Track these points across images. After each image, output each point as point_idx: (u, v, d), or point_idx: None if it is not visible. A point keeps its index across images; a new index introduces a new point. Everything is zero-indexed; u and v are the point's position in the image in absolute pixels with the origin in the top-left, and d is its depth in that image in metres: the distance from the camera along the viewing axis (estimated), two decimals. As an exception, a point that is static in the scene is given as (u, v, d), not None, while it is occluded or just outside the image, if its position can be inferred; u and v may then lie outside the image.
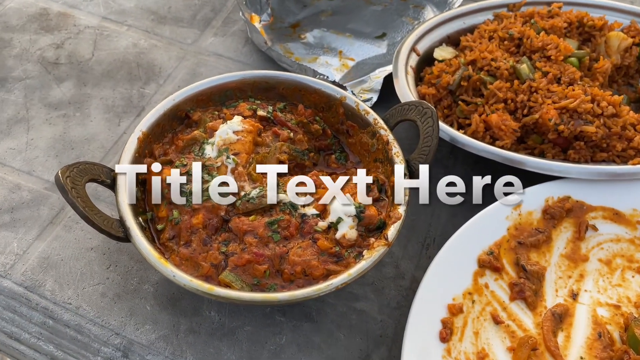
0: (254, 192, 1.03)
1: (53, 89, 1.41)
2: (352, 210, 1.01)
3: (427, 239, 1.20)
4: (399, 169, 1.08)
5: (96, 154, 1.29)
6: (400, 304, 1.10)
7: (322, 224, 1.01)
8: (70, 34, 1.54)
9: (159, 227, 1.03)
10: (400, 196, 1.04)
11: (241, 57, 1.52)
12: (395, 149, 1.11)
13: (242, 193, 1.04)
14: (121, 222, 0.97)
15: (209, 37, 1.57)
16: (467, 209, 1.25)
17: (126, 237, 0.96)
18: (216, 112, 1.18)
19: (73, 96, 1.39)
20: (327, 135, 1.21)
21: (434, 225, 1.22)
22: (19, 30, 1.53)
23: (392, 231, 1.00)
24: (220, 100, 1.22)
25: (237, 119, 1.12)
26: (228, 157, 1.07)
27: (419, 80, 1.38)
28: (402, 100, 1.26)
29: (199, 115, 1.18)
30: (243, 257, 0.97)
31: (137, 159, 1.07)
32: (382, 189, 1.11)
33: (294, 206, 1.03)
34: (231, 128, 1.10)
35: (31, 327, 1.04)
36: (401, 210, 1.03)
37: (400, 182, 1.06)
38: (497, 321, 1.04)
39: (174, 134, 1.17)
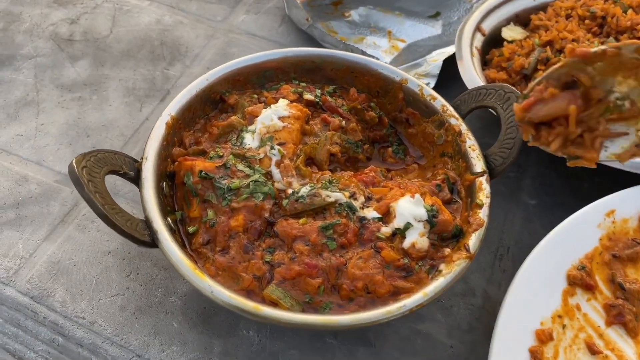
0: (304, 190, 0.86)
1: (66, 68, 1.24)
2: (422, 213, 0.84)
3: (500, 248, 1.03)
4: (478, 165, 0.91)
5: (115, 143, 1.13)
6: (472, 326, 0.93)
7: (386, 230, 0.84)
8: (86, 8, 1.37)
9: (191, 229, 0.87)
10: (481, 198, 0.87)
11: (277, 37, 1.35)
12: (470, 142, 0.94)
13: (290, 190, 0.87)
14: (147, 223, 0.80)
15: (241, 14, 1.40)
16: (543, 214, 1.07)
17: (153, 242, 0.79)
18: (255, 95, 1.02)
19: (89, 77, 1.23)
20: (384, 125, 1.04)
21: (507, 232, 1.05)
22: (29, 3, 1.37)
23: (473, 241, 0.82)
24: (258, 81, 1.05)
25: (283, 102, 0.95)
26: (272, 148, 0.90)
27: (483, 63, 1.20)
28: (469, 86, 1.09)
29: (235, 98, 1.01)
30: (292, 268, 0.80)
31: (164, 148, 0.90)
32: (453, 189, 0.93)
33: (351, 207, 0.86)
34: (276, 113, 0.93)
35: (38, 344, 0.88)
36: (483, 215, 0.85)
37: (481, 181, 0.88)
38: (593, 351, 0.87)
39: (207, 119, 1.00)
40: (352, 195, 0.87)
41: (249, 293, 0.80)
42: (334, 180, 0.89)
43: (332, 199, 0.85)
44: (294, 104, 0.96)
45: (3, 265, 0.95)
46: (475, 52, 1.16)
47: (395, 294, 0.80)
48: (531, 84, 0.75)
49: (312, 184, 0.88)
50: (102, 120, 1.16)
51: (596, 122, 0.72)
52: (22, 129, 1.13)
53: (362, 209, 0.87)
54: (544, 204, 1.08)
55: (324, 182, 0.88)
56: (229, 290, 0.76)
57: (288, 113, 0.93)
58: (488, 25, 1.22)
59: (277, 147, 0.90)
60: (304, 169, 0.90)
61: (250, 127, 0.94)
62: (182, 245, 0.85)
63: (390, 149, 1.03)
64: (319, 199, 0.85)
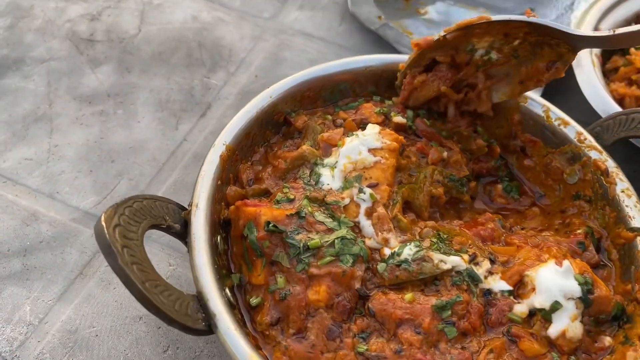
0: (408, 251, 0.64)
1: (86, 75, 1.02)
2: (575, 288, 0.61)
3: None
4: (637, 217, 0.68)
5: (145, 170, 0.91)
6: None
7: (521, 309, 0.62)
8: (109, 1, 1.16)
9: (253, 301, 0.64)
10: (651, 265, 0.64)
11: (338, 39, 1.12)
12: (623, 184, 0.71)
13: (387, 251, 0.65)
14: (200, 302, 0.58)
15: (293, 10, 1.17)
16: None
17: (209, 330, 0.57)
18: (329, 117, 0.79)
19: (113, 86, 1.01)
20: (494, 155, 0.81)
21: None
22: (42, -4, 1.15)
23: (650, 329, 0.60)
24: (331, 97, 0.82)
25: (373, 129, 0.72)
26: (362, 191, 0.68)
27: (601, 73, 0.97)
28: (592, 101, 0.86)
29: (304, 120, 0.79)
30: None
31: (219, 189, 0.68)
32: (599, 248, 0.70)
33: (473, 277, 0.63)
34: (365, 144, 0.70)
35: None
36: (656, 289, 0.62)
37: (648, 241, 0.65)
38: None
39: (268, 147, 0.77)
40: (473, 259, 0.64)
41: (336, 396, 0.58)
42: (445, 236, 0.67)
43: (447, 266, 0.63)
44: (388, 131, 0.73)
45: (5, 335, 0.73)
46: (596, 60, 0.93)
47: None
48: (400, 78, 0.81)
49: (417, 242, 0.65)
50: (129, 140, 0.94)
51: (474, 78, 0.79)
52: (32, 152, 0.92)
53: (487, 277, 0.64)
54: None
55: (432, 239, 0.66)
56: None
57: (381, 144, 0.70)
58: (606, 27, 0.98)
59: (368, 190, 0.67)
60: (404, 220, 0.67)
61: (327, 161, 0.71)
62: (243, 324, 0.63)
63: (499, 186, 0.80)
64: (429, 265, 0.63)
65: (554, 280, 0.61)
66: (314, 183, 0.70)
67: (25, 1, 1.14)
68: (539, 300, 0.61)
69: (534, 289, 0.62)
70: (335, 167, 0.70)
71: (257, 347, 0.60)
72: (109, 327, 0.75)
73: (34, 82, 1.01)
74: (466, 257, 0.64)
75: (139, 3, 1.16)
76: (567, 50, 0.74)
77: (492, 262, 0.66)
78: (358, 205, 0.67)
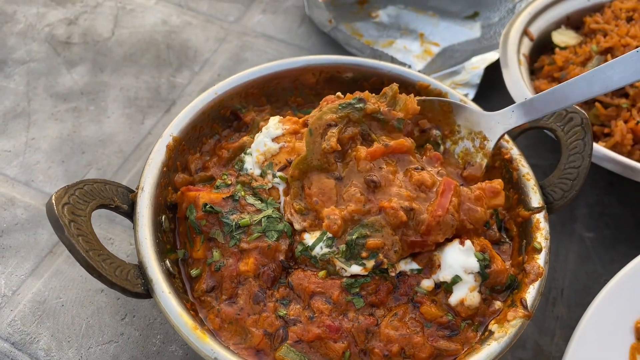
0: (318, 249, 0.70)
1: (62, 75, 1.12)
2: (473, 264, 0.70)
3: (553, 290, 0.88)
4: (534, 198, 0.77)
5: (112, 160, 1.00)
6: (522, 386, 0.79)
7: (427, 284, 0.70)
8: (86, 7, 1.25)
9: (193, 272, 0.74)
10: (539, 240, 0.72)
11: (296, 40, 1.21)
12: (524, 169, 0.80)
13: (307, 236, 0.72)
14: (141, 269, 0.68)
15: (256, 13, 1.26)
16: (603, 249, 0.93)
17: (147, 293, 0.67)
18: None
19: (87, 85, 1.11)
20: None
21: (560, 270, 0.90)
22: (24, 2, 1.25)
23: (532, 294, 0.69)
24: (273, 94, 0.91)
25: (274, 120, 0.81)
26: (275, 176, 0.77)
27: (531, 72, 1.05)
28: (517, 100, 0.94)
29: (252, 116, 0.87)
30: (310, 330, 0.67)
31: (164, 175, 0.77)
32: (501, 226, 0.79)
33: (383, 271, 0.70)
34: (269, 135, 0.79)
35: (17, 400, 0.76)
36: (541, 261, 0.71)
37: (538, 218, 0.74)
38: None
39: (218, 140, 0.87)
40: (378, 265, 0.68)
41: (258, 352, 0.67)
42: (356, 246, 0.69)
43: (347, 273, 0.70)
44: (287, 117, 0.81)
45: (-18, 305, 0.83)
46: (523, 59, 1.02)
47: (438, 357, 0.67)
48: None
49: (330, 241, 0.71)
50: (99, 134, 1.04)
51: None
52: (11, 144, 1.01)
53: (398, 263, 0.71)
54: (603, 237, 0.94)
55: (341, 249, 0.70)
56: (236, 355, 0.63)
57: (282, 131, 0.79)
58: (537, 29, 1.07)
59: (278, 173, 0.76)
60: (301, 206, 0.74)
61: (248, 149, 0.80)
62: (183, 292, 0.72)
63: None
64: (332, 268, 0.70)
65: (457, 258, 0.70)
66: (239, 169, 0.79)
67: (9, 7, 1.24)
68: (443, 275, 0.70)
69: (439, 266, 0.71)
70: (251, 154, 0.79)
71: (193, 312, 0.70)
72: (74, 298, 0.85)
73: (14, 82, 1.11)
74: (370, 264, 0.68)
75: (114, 8, 1.25)
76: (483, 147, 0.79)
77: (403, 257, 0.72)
78: (277, 189, 0.76)
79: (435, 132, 0.83)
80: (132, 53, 1.17)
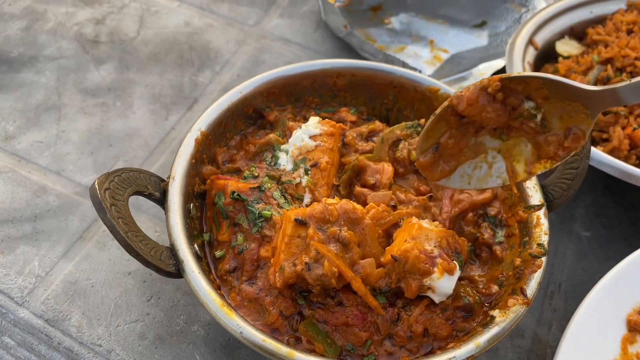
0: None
1: (91, 71, 1.18)
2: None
3: (551, 285, 0.94)
4: (535, 196, 0.82)
5: (138, 153, 1.06)
6: (520, 371, 0.85)
7: None
8: (113, 8, 1.31)
9: (217, 253, 0.80)
10: (539, 235, 0.78)
11: (312, 44, 1.28)
12: (526, 170, 0.85)
13: None
14: (172, 251, 0.74)
15: (274, 18, 1.33)
16: (599, 247, 0.99)
17: (178, 273, 0.73)
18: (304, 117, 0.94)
19: (113, 81, 1.17)
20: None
21: (558, 266, 0.96)
22: (54, 1, 1.31)
23: (532, 285, 0.74)
24: (294, 93, 0.97)
25: (314, 120, 0.87)
26: (307, 172, 0.83)
27: (535, 80, 1.11)
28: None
29: (276, 115, 0.94)
30: (337, 316, 0.73)
31: (193, 166, 0.83)
32: (497, 222, 0.85)
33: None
34: (307, 133, 0.85)
35: (51, 372, 0.82)
36: (541, 256, 0.77)
37: (539, 215, 0.80)
38: (657, 407, 0.78)
39: (244, 136, 0.93)
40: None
41: (273, 331, 0.73)
42: None
43: None
44: (327, 120, 0.88)
45: (17, 284, 0.89)
46: (528, 67, 1.08)
47: (454, 336, 0.73)
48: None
49: None
50: (125, 128, 1.10)
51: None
52: (43, 136, 1.08)
53: None
54: (599, 236, 1.00)
55: None
56: (260, 332, 0.69)
57: (320, 131, 0.85)
58: (541, 39, 1.13)
59: (310, 169, 0.83)
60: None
61: (284, 147, 0.87)
62: (208, 272, 0.78)
63: None
64: None
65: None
66: (273, 164, 0.86)
67: (40, 6, 1.31)
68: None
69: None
70: (288, 150, 0.86)
71: (217, 288, 0.76)
72: (103, 280, 0.91)
73: (45, 77, 1.17)
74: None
75: (139, 9, 1.32)
76: (585, 116, 0.69)
77: None
78: (302, 187, 0.82)
79: (526, 104, 0.73)
80: (156, 52, 1.23)
